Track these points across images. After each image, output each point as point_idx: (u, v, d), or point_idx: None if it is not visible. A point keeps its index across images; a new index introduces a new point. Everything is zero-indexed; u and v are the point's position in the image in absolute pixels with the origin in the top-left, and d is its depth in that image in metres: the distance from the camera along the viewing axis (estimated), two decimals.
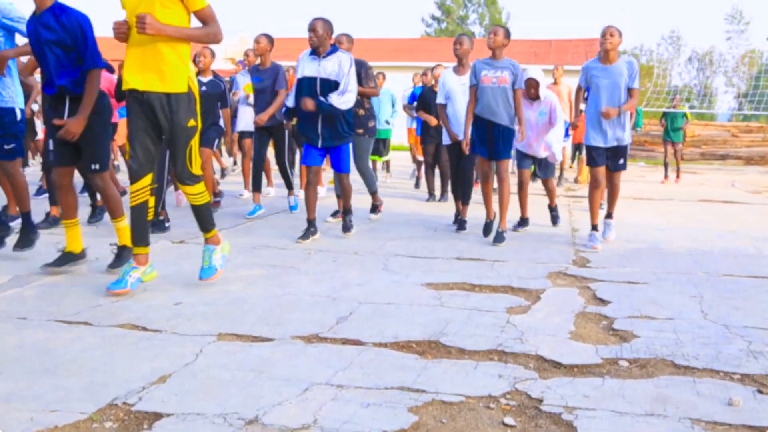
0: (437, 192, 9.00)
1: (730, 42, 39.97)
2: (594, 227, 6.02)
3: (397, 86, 13.24)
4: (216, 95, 7.11)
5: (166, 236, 5.85)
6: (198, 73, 6.82)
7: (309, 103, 5.53)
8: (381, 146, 11.14)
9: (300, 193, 8.50)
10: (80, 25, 4.12)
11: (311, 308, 3.76)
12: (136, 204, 3.98)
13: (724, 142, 19.92)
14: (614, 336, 3.44)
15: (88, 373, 2.76)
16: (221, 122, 7.45)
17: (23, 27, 4.64)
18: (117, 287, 3.90)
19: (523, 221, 6.79)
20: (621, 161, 5.95)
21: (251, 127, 7.57)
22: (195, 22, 3.96)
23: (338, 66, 5.60)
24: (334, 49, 5.69)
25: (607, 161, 5.94)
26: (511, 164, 11.24)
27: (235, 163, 12.37)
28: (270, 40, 7.16)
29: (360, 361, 2.97)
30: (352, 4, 71.97)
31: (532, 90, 6.49)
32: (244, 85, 7.97)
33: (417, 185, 10.29)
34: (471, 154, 6.43)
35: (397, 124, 12.99)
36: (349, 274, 4.62)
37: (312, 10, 67.08)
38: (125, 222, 4.56)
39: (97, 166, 4.39)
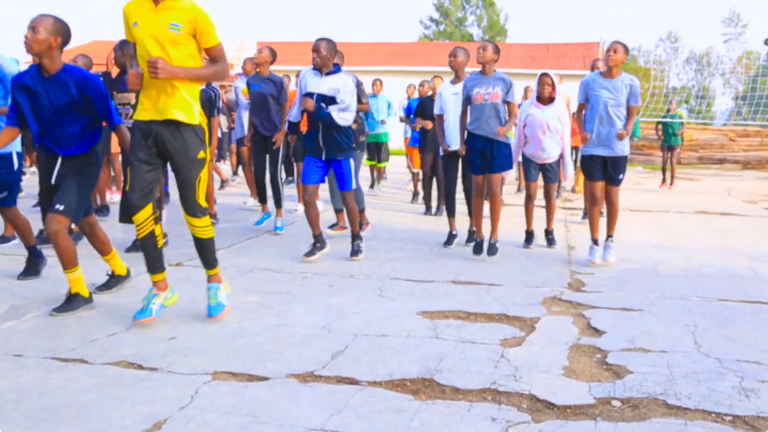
0: (434, 204, 9.01)
1: (728, 45, 40.05)
2: (595, 241, 6.05)
3: (394, 91, 13.25)
4: (205, 102, 7.13)
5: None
6: None
7: (309, 103, 5.68)
8: (375, 150, 11.15)
9: (297, 207, 8.50)
10: (100, 87, 4.15)
11: (307, 341, 3.78)
12: (144, 236, 4.01)
13: (721, 146, 19.97)
14: (608, 371, 3.46)
15: (83, 419, 2.77)
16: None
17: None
18: (143, 316, 3.92)
19: (529, 237, 6.80)
20: (620, 176, 5.88)
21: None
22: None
23: (339, 85, 5.73)
24: (337, 69, 5.80)
25: (605, 175, 5.90)
26: (513, 174, 11.33)
27: (235, 173, 12.38)
28: (272, 53, 7.23)
29: (354, 403, 2.99)
30: (350, 5, 72.00)
31: (547, 87, 6.50)
32: (242, 89, 8.01)
33: (414, 199, 10.24)
34: (450, 166, 6.69)
35: (395, 130, 13.02)
36: (345, 301, 4.63)
37: (311, 12, 67.14)
38: (78, 273, 4.23)
39: (62, 208, 4.08)
